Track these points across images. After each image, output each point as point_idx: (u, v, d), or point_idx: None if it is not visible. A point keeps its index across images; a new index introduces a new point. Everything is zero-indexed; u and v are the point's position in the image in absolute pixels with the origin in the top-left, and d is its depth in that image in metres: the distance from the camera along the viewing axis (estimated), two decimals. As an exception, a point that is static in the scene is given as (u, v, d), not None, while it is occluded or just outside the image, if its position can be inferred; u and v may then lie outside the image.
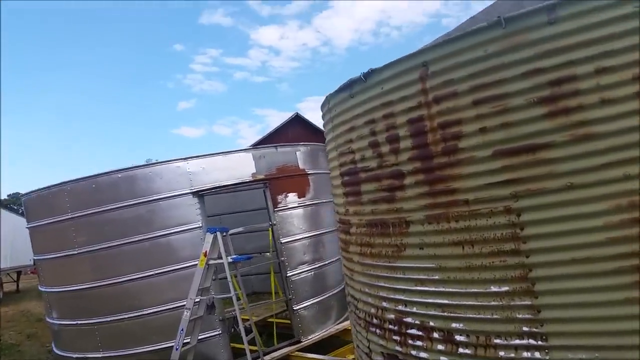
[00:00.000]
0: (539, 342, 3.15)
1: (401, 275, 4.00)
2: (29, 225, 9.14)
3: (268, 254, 8.75)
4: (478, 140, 3.43)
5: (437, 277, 3.73)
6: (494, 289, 3.38)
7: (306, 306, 8.72)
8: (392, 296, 4.13)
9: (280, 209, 8.72)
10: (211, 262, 7.05)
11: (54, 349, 9.25)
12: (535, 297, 3.15)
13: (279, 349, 8.19)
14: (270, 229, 8.64)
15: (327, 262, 9.36)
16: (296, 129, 32.26)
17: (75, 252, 8.16)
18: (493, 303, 3.38)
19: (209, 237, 7.07)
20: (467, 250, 3.55)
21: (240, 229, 8.56)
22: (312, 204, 9.23)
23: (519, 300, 3.22)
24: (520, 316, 3.22)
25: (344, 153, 4.61)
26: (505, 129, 3.24)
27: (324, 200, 9.65)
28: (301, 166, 9.14)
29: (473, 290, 3.51)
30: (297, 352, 8.07)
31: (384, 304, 4.26)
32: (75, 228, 8.17)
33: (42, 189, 8.52)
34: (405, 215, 3.90)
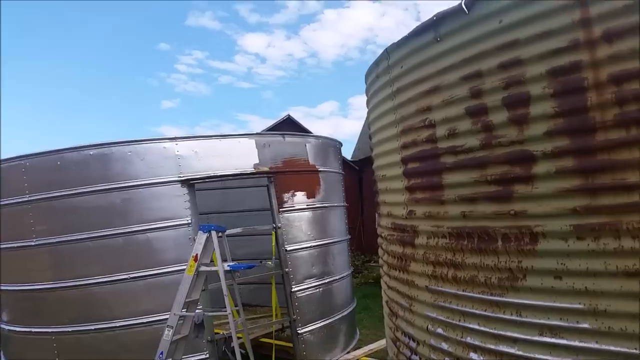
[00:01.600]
0: None
1: (514, 317, 2.57)
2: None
3: (270, 262, 7.27)
4: None
5: (587, 327, 2.31)
6: None
7: (312, 329, 7.24)
8: (492, 347, 2.69)
9: (286, 210, 7.25)
10: (202, 268, 5.57)
11: (1, 360, 7.67)
12: None
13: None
14: (273, 232, 7.16)
15: (337, 278, 7.89)
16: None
17: (33, 244, 6.60)
18: None
19: (202, 237, 5.58)
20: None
21: (238, 230, 7.08)
22: (322, 207, 7.78)
23: None
24: None
25: (413, 129, 3.17)
26: None
27: (335, 204, 8.20)
28: (311, 161, 7.70)
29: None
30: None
31: (474, 356, 2.82)
32: (34, 214, 6.61)
33: (-5, 163, 6.99)
34: (532, 223, 2.48)
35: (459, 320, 2.93)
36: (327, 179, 7.97)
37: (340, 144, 8.83)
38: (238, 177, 7.10)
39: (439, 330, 3.10)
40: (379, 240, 4.40)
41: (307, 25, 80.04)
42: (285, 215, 7.25)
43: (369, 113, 4.19)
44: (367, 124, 4.42)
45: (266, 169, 7.08)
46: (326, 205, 7.85)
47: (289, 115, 27.93)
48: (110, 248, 6.49)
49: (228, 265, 5.60)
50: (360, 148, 26.17)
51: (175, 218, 6.55)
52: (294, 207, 7.35)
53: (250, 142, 7.10)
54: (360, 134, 28.01)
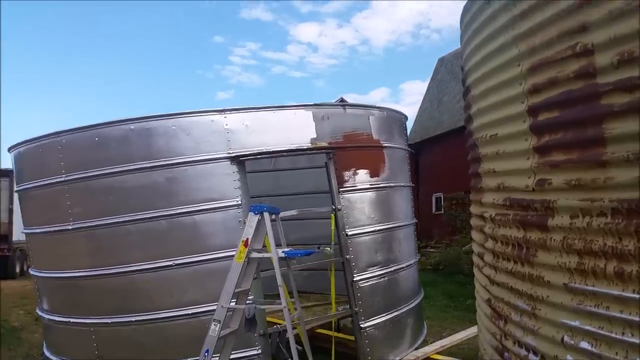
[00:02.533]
0: None
1: None
2: (17, 188, 7.07)
3: (328, 248, 6.45)
4: None
5: None
6: None
7: (377, 323, 6.38)
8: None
9: (347, 190, 6.39)
10: (254, 255, 4.81)
11: (45, 350, 7.21)
12: None
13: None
14: (332, 214, 6.33)
15: (403, 266, 7.00)
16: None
17: (70, 227, 6.01)
18: None
19: (253, 220, 4.81)
20: None
21: (294, 212, 6.29)
22: (387, 186, 6.87)
23: None
24: None
25: (552, 62, 2.23)
26: None
27: (401, 184, 7.29)
28: (375, 136, 6.80)
29: None
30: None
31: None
32: (70, 195, 6.00)
33: (31, 140, 6.42)
34: None
35: (623, 334, 2.03)
36: (392, 155, 7.05)
37: (406, 118, 7.90)
38: (294, 153, 6.29)
39: (585, 345, 2.20)
40: (476, 222, 3.50)
41: (359, 12, 78.91)
42: (346, 195, 6.40)
43: (465, 60, 3.28)
44: (462, 78, 3.51)
45: (325, 144, 6.25)
46: (391, 184, 6.95)
47: (342, 98, 26.94)
48: (153, 232, 5.83)
49: (283, 252, 4.82)
50: (416, 131, 25.05)
51: (224, 199, 5.82)
52: (355, 186, 6.48)
53: (307, 114, 6.27)
54: (416, 117, 26.83)
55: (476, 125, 3.08)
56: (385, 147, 6.91)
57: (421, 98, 27.89)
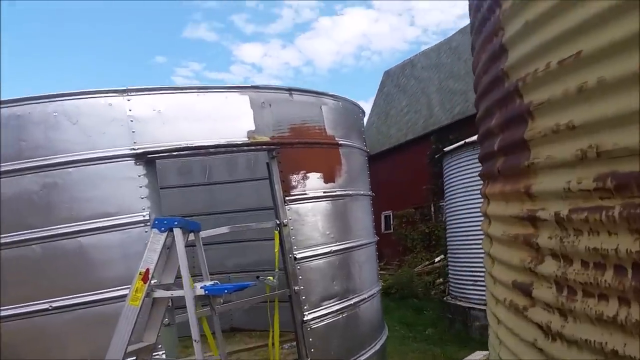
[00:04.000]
0: None
1: None
2: None
3: (271, 278, 4.86)
4: None
5: None
6: None
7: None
8: None
9: (296, 199, 4.88)
10: (158, 294, 3.20)
11: None
12: None
13: None
14: (276, 232, 4.79)
15: (365, 296, 5.48)
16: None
17: None
18: None
19: (157, 241, 3.21)
20: None
21: (224, 229, 4.71)
22: (345, 194, 5.41)
23: None
24: None
25: None
26: None
27: (361, 192, 5.85)
28: (329, 131, 5.35)
29: None
30: None
31: None
32: None
33: None
34: None
35: None
36: (350, 156, 5.61)
37: (363, 113, 6.50)
38: (224, 150, 4.71)
39: None
40: (509, 229, 2.07)
41: (303, 33, 78.81)
42: (294, 206, 4.88)
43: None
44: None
45: (266, 138, 4.74)
46: (350, 192, 5.49)
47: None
48: (23, 262, 4.11)
49: (203, 287, 3.22)
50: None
51: (125, 213, 4.20)
52: (306, 194, 4.97)
53: (243, 99, 4.76)
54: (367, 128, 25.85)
55: (523, 52, 1.63)
56: (341, 144, 5.47)
57: (367, 114, 26.95)
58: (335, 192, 5.27)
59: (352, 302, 5.26)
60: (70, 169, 4.17)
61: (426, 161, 18.41)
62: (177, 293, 3.17)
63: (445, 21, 57.79)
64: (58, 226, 4.08)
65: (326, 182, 5.19)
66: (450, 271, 11.20)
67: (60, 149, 4.17)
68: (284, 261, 4.82)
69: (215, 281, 3.35)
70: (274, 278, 4.78)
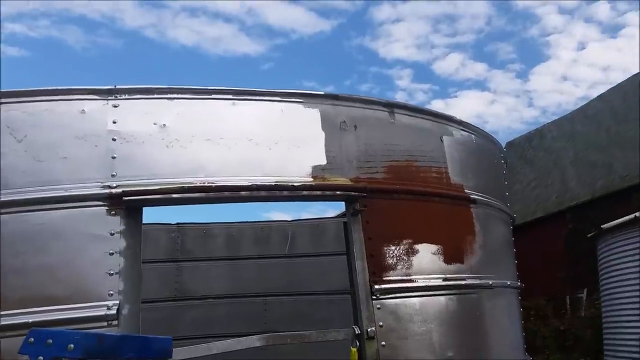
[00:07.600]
0: None
1: None
2: None
3: None
4: None
5: None
6: None
7: None
8: None
9: (393, 288, 2.71)
10: None
11: None
12: None
13: None
14: (353, 348, 2.61)
15: None
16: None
17: None
18: None
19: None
20: None
21: (250, 341, 2.62)
22: (480, 284, 3.15)
23: None
24: None
25: None
26: None
27: (507, 282, 3.52)
28: (454, 177, 3.20)
29: None
30: None
31: None
32: None
33: None
34: None
35: None
36: (489, 222, 3.37)
37: (505, 156, 4.27)
38: (265, 194, 2.70)
39: None
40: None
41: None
42: (390, 302, 2.69)
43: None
44: None
45: (346, 180, 2.70)
46: (490, 281, 3.20)
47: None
48: None
49: None
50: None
51: (77, 301, 2.29)
52: (411, 280, 2.79)
53: (310, 115, 2.83)
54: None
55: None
56: (475, 200, 3.26)
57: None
58: (464, 279, 3.01)
59: None
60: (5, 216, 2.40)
61: (561, 243, 15.52)
62: None
63: (565, 102, 53.70)
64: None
65: (448, 261, 2.97)
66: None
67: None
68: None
69: None
70: None
